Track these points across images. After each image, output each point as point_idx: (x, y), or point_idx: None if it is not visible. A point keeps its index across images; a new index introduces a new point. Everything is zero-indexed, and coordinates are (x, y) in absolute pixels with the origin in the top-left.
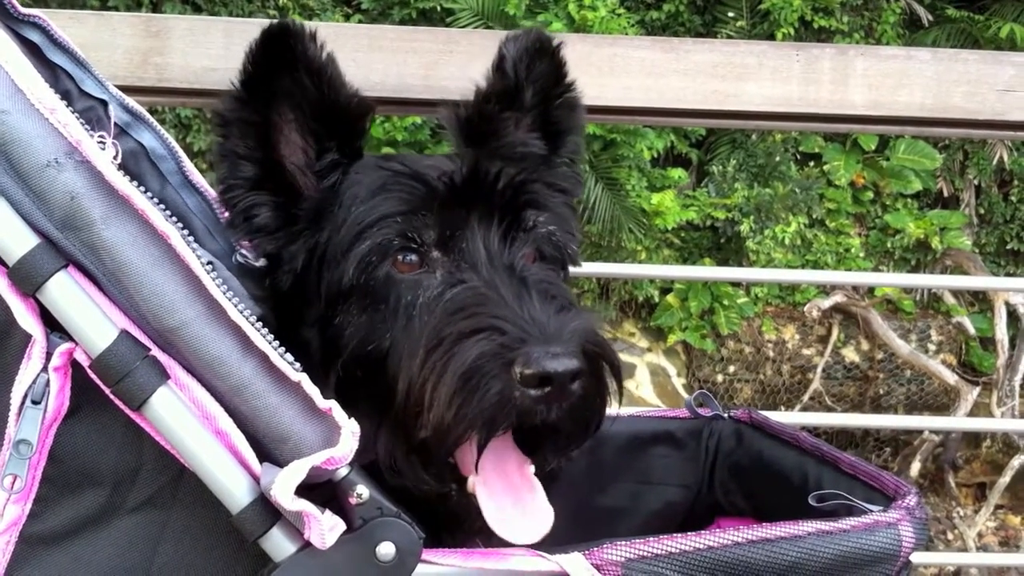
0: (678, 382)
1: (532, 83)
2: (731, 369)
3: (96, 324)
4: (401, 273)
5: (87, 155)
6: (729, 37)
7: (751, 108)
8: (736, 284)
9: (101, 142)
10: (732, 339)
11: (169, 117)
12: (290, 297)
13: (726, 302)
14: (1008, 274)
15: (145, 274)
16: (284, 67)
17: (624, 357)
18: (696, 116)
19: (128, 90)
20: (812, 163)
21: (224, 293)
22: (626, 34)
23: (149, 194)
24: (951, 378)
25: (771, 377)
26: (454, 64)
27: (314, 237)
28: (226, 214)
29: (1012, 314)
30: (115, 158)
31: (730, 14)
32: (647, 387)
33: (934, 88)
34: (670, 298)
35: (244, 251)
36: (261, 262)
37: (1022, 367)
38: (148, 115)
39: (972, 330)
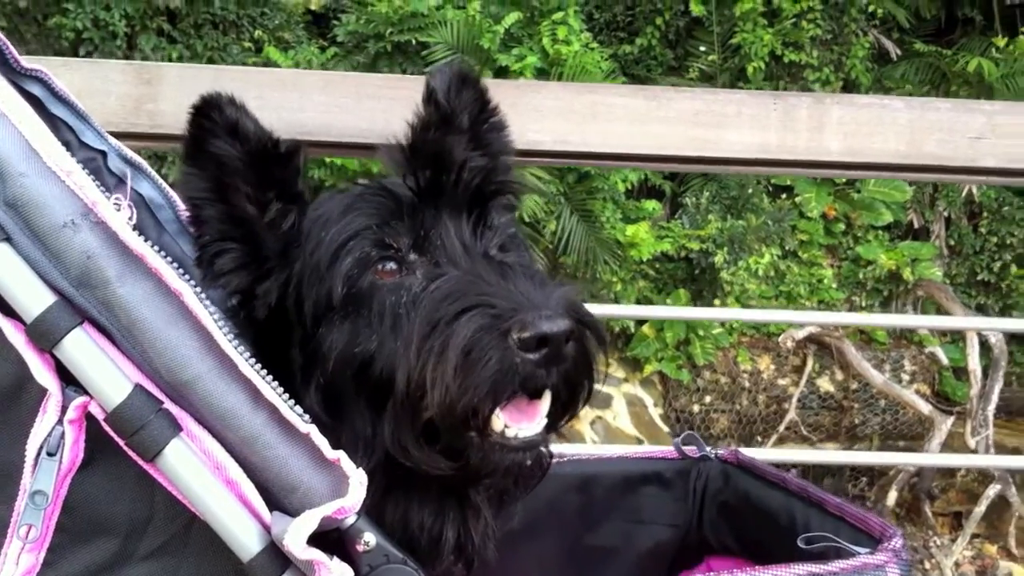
0: (655, 412)
1: (463, 109)
2: (707, 399)
3: (111, 379)
4: (382, 280)
5: (102, 216)
6: (701, 71)
7: (730, 155)
8: None
9: (117, 204)
10: (708, 369)
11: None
12: (267, 326)
13: (701, 332)
14: (979, 305)
15: (159, 330)
16: (211, 134)
17: (601, 388)
18: (677, 162)
19: (122, 136)
20: (784, 195)
21: (236, 348)
22: (599, 67)
23: (157, 248)
24: (925, 408)
25: (747, 407)
26: None
27: (285, 271)
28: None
29: (984, 344)
30: (130, 219)
31: (702, 48)
32: (624, 417)
33: (907, 135)
34: (646, 329)
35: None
36: (233, 299)
37: (995, 397)
38: (146, 164)
39: (945, 360)
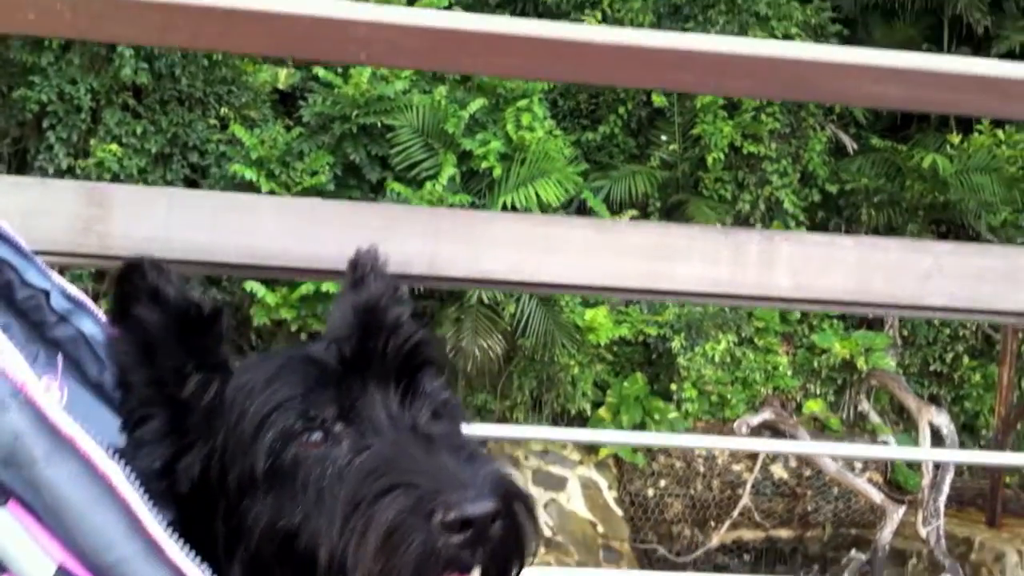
0: (609, 495)
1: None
2: (662, 483)
3: (34, 560)
4: (307, 451)
5: (32, 396)
6: (662, 160)
7: (682, 288)
8: (667, 399)
9: (48, 384)
10: (663, 453)
11: None
12: (191, 495)
13: (657, 416)
14: (931, 395)
15: (84, 511)
16: (134, 299)
17: (555, 470)
18: (629, 292)
19: (70, 256)
20: None
21: (165, 530)
22: (562, 154)
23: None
24: (877, 497)
25: (701, 492)
26: (395, 240)
27: (208, 444)
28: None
29: (936, 434)
30: (61, 400)
31: (663, 138)
32: (578, 500)
33: (855, 273)
34: (602, 411)
35: None
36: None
37: (946, 487)
38: (89, 302)
39: None
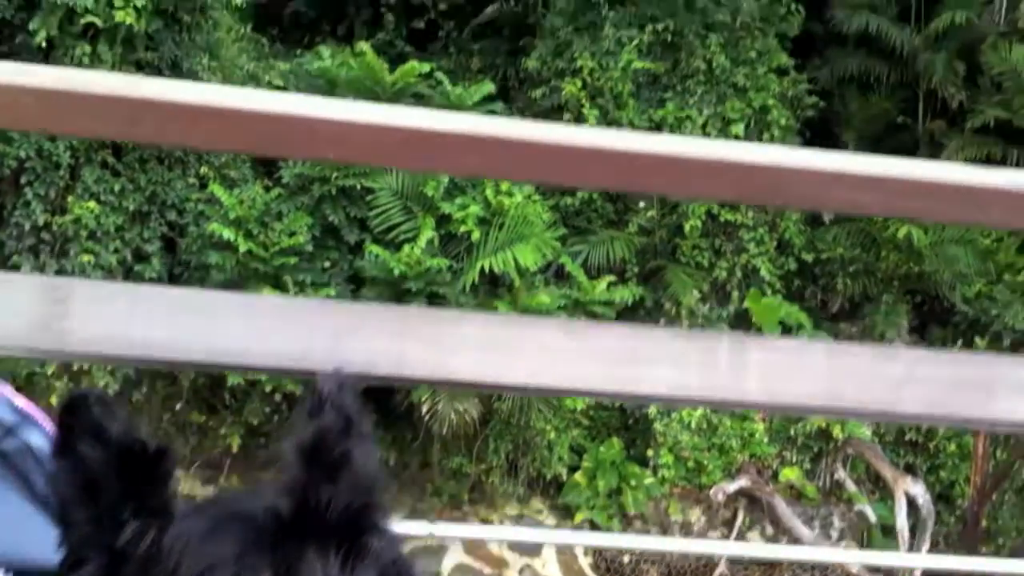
0: (584, 561)
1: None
2: (638, 549)
3: None
4: None
5: None
6: (640, 227)
7: (650, 392)
8: (644, 464)
9: None
10: (639, 519)
11: None
12: None
13: (633, 482)
14: (907, 464)
15: None
16: (76, 434)
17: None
18: (597, 395)
19: (28, 351)
20: None
21: None
22: (541, 218)
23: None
24: (854, 567)
25: (677, 559)
26: (361, 339)
27: None
28: None
29: (912, 503)
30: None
31: (641, 204)
32: (553, 565)
33: (825, 380)
34: (578, 476)
35: None
36: None
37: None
38: (37, 414)
39: (873, 518)
